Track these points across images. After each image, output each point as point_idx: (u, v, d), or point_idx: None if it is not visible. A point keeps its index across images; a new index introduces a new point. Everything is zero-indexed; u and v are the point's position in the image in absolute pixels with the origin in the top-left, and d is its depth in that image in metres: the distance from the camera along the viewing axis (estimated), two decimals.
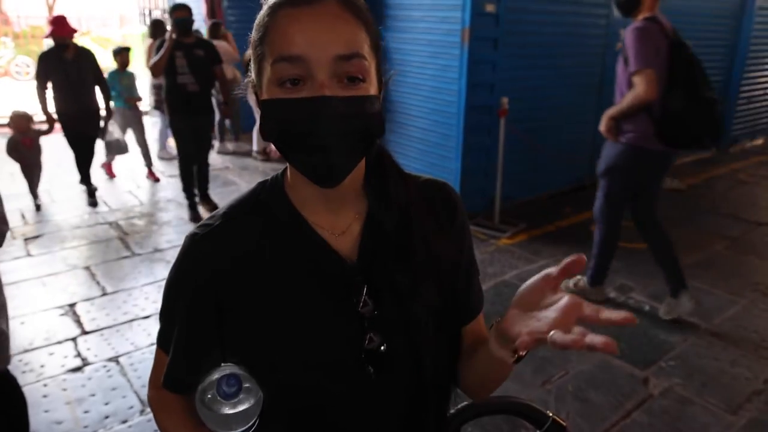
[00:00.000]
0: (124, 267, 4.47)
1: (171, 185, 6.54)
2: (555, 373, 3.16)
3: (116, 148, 6.37)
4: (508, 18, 5.09)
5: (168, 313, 0.98)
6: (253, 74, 0.87)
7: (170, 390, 0.99)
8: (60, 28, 5.39)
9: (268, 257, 0.92)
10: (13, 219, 5.41)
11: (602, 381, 3.10)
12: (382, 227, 0.93)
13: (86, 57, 5.62)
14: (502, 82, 5.21)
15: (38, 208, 5.73)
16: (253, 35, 0.85)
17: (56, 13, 22.63)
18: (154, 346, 1.03)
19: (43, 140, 5.78)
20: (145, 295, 3.99)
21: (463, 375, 1.03)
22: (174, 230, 5.17)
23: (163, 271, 4.34)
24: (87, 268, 4.41)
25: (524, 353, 0.81)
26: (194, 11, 5.35)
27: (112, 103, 6.17)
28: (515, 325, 0.78)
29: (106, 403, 2.91)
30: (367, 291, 0.92)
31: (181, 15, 4.96)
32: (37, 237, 5.00)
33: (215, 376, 0.87)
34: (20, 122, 5.58)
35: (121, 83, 6.49)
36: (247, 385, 0.86)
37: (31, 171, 5.71)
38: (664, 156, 3.44)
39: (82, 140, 5.85)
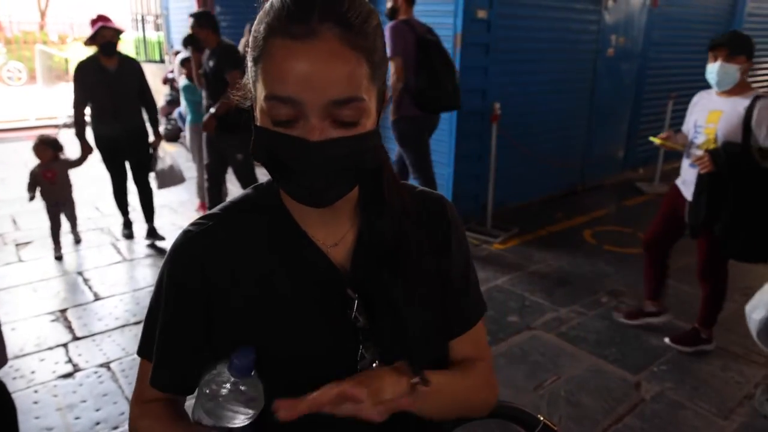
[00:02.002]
0: (115, 272, 4.45)
1: (163, 191, 6.52)
2: (547, 377, 3.17)
3: (169, 178, 5.17)
4: (500, 24, 5.13)
5: (154, 313, 0.94)
6: (250, 83, 0.84)
7: (159, 389, 0.95)
8: (106, 29, 4.42)
9: (262, 262, 0.91)
10: (4, 224, 5.39)
11: (594, 385, 3.11)
12: (376, 238, 0.92)
13: (131, 68, 4.71)
14: (494, 87, 5.24)
15: (78, 241, 4.98)
16: (250, 50, 0.81)
17: (48, 13, 22.63)
18: None
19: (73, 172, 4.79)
20: (137, 300, 3.98)
21: None
22: (166, 236, 5.15)
23: (155, 277, 4.32)
24: (79, 273, 4.39)
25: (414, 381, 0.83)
26: (186, 18, 5.34)
27: (187, 123, 5.67)
28: None
29: (97, 410, 2.89)
30: (361, 302, 0.91)
31: (192, 30, 4.68)
32: (28, 243, 4.97)
33: (218, 367, 0.84)
34: (44, 153, 4.53)
35: (198, 96, 5.42)
36: (255, 379, 0.84)
37: (56, 210, 4.70)
38: (424, 119, 4.52)
39: (123, 168, 4.92)
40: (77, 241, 4.96)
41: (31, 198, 4.52)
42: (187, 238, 0.92)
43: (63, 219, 4.77)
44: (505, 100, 5.16)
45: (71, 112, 4.66)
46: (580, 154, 6.49)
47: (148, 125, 4.91)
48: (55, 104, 10.07)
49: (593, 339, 3.56)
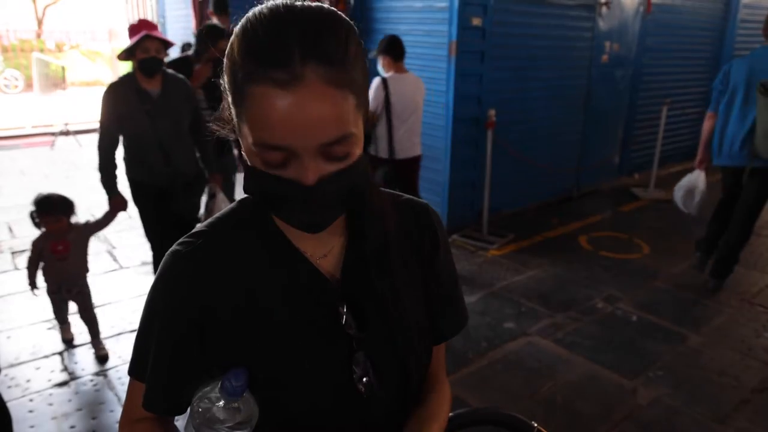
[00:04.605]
0: (112, 280, 4.45)
1: None
2: (543, 384, 3.17)
3: None
4: (495, 31, 5.14)
5: (146, 335, 0.92)
6: (234, 116, 0.81)
7: (151, 411, 0.94)
8: (150, 39, 3.25)
9: (252, 277, 0.91)
10: (0, 232, 5.38)
11: (590, 392, 3.11)
12: (364, 245, 0.93)
13: (180, 90, 3.49)
14: (489, 94, 5.25)
15: (103, 359, 3.37)
16: (228, 87, 0.78)
17: (45, 21, 22.55)
18: None
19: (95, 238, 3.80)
20: (133, 308, 3.97)
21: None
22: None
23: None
24: None
25: None
26: (183, 26, 5.34)
27: None
28: None
29: (93, 418, 2.88)
30: (353, 310, 0.91)
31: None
32: (24, 251, 4.95)
33: (211, 384, 0.85)
34: (51, 219, 3.22)
35: None
36: (246, 395, 0.84)
37: (60, 298, 3.40)
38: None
39: (169, 231, 3.47)
40: (102, 358, 3.37)
41: (32, 284, 3.30)
42: (175, 259, 0.91)
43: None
44: (500, 107, 5.18)
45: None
46: (575, 160, 6.51)
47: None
48: (51, 112, 10.05)
49: (589, 345, 3.56)
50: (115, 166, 3.46)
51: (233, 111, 0.79)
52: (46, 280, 3.33)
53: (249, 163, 0.80)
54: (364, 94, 0.81)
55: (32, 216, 3.23)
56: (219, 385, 0.83)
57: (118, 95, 3.35)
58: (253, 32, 0.74)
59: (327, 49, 0.73)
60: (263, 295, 0.90)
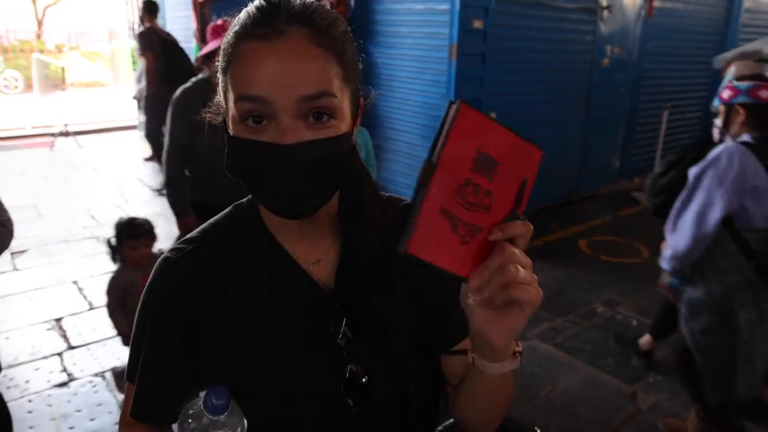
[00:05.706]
0: None
1: (159, 200, 6.52)
2: (543, 388, 3.17)
3: None
4: (496, 34, 5.15)
5: (139, 339, 0.92)
6: (221, 97, 0.84)
7: (141, 419, 0.94)
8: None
9: (243, 283, 0.90)
10: None
11: (590, 396, 3.11)
12: (359, 254, 0.90)
13: None
14: (489, 97, 5.25)
15: None
16: (220, 61, 0.80)
17: (45, 22, 22.54)
18: None
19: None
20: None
21: (465, 413, 0.98)
22: (162, 245, 5.14)
23: None
24: (74, 282, 4.37)
25: (519, 349, 0.80)
26: (184, 27, 5.33)
27: None
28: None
29: (92, 419, 2.88)
30: (345, 320, 0.89)
31: None
32: (23, 251, 4.95)
33: (199, 396, 0.84)
34: (138, 252, 2.93)
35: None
36: (232, 408, 0.84)
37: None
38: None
39: None
40: None
41: (128, 334, 2.24)
42: (166, 265, 0.91)
43: None
44: (501, 110, 5.18)
45: (163, 147, 3.12)
46: (575, 164, 6.51)
47: None
48: (51, 113, 10.05)
49: (589, 349, 3.56)
50: (185, 183, 3.11)
51: (221, 86, 0.81)
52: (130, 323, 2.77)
53: (232, 134, 0.79)
54: (352, 73, 0.81)
55: (114, 245, 2.86)
56: (203, 399, 0.83)
57: (190, 102, 2.90)
58: (245, 12, 0.79)
59: (312, 17, 0.76)
60: (253, 301, 0.89)
